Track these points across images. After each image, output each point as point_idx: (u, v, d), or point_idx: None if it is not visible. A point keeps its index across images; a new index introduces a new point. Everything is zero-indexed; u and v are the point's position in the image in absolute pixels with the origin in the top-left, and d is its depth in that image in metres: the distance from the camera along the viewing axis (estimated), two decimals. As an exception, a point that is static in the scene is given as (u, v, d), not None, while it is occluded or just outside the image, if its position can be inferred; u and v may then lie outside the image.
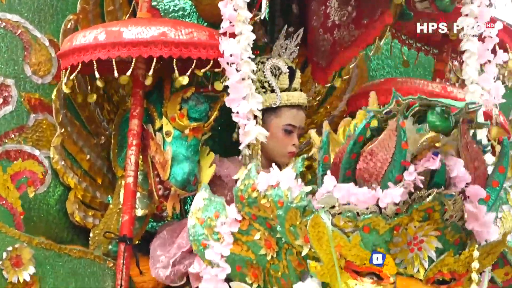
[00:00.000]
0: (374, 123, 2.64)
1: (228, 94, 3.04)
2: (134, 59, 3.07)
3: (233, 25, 3.01)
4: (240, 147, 3.03)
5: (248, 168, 2.81)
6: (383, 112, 2.61)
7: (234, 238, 2.85)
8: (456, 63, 3.92)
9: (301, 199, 2.67)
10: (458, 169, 2.55)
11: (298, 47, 3.51)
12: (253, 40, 3.03)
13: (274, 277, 2.83)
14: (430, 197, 2.52)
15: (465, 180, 2.56)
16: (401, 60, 4.06)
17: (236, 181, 3.32)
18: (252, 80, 3.01)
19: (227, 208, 2.87)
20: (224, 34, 3.03)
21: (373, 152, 2.59)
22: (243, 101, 2.99)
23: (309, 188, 2.70)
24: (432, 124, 2.49)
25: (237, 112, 2.99)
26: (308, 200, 2.66)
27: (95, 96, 3.29)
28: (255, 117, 3.03)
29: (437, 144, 2.56)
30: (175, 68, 3.07)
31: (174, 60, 3.07)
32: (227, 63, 3.02)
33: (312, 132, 3.02)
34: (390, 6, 3.39)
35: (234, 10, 3.00)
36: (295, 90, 3.45)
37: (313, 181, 2.93)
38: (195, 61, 3.08)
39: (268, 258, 2.82)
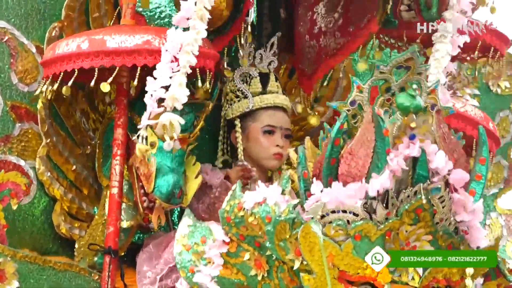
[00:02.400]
0: (344, 126, 2.64)
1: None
2: (117, 67, 3.03)
3: (187, 19, 2.92)
4: (140, 126, 2.98)
5: (233, 188, 2.79)
6: (348, 103, 2.61)
7: (223, 261, 2.82)
8: None
9: (289, 212, 2.64)
10: (438, 156, 2.53)
11: (276, 56, 3.51)
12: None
13: (267, 297, 2.79)
14: (417, 194, 2.49)
15: (447, 167, 2.54)
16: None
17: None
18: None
19: (214, 232, 2.85)
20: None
21: (353, 150, 2.58)
22: (161, 88, 2.90)
23: (296, 201, 2.68)
24: (401, 107, 2.49)
25: (151, 95, 2.92)
26: (296, 212, 2.63)
27: (69, 90, 3.16)
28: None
29: (411, 125, 2.53)
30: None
31: None
32: (166, 50, 2.93)
33: (291, 151, 3.00)
34: (376, 14, 3.37)
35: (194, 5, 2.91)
36: (271, 92, 3.45)
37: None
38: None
39: (259, 278, 2.78)
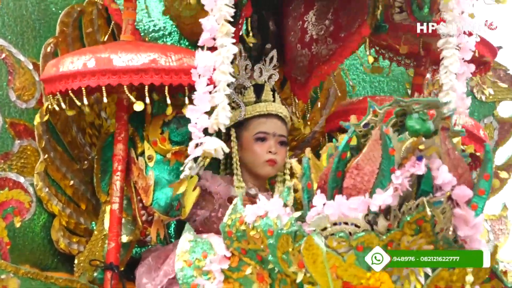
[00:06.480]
0: (354, 141, 2.64)
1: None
2: (125, 86, 3.02)
3: (213, 39, 2.91)
4: (187, 159, 2.94)
5: (234, 202, 2.80)
6: (361, 125, 2.62)
7: (224, 276, 2.83)
8: (428, 76, 3.94)
9: (291, 224, 2.65)
10: (442, 173, 2.54)
11: (276, 69, 3.50)
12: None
13: (269, 311, 2.81)
14: (420, 207, 2.51)
15: (450, 183, 2.55)
16: (377, 75, 4.08)
17: (227, 198, 3.35)
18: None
19: (214, 247, 2.86)
20: (202, 47, 2.94)
21: (359, 166, 2.59)
22: (204, 115, 2.89)
23: (298, 214, 2.68)
24: (412, 129, 2.49)
25: (195, 124, 2.90)
26: (299, 225, 2.64)
27: (72, 111, 3.18)
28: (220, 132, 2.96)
29: (420, 147, 2.55)
30: (167, 95, 3.04)
31: (166, 87, 3.03)
32: (198, 75, 2.92)
33: (293, 161, 3.01)
34: (367, 19, 3.38)
35: (217, 23, 2.91)
36: (265, 101, 3.44)
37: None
38: (186, 87, 3.05)
39: None
